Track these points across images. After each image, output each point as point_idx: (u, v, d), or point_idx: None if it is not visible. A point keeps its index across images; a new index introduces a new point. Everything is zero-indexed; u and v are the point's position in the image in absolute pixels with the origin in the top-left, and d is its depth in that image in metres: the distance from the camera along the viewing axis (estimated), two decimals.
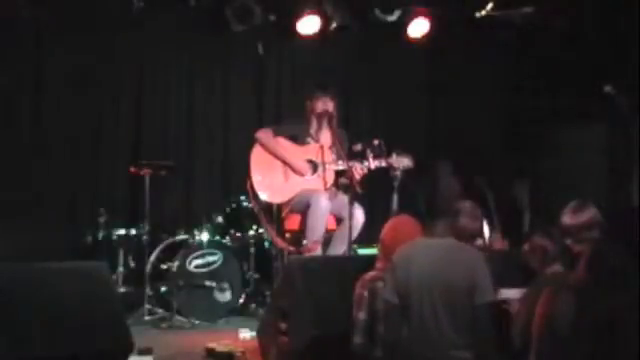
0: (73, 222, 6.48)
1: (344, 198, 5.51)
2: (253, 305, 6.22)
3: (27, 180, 6.21)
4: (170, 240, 6.19)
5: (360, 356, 3.74)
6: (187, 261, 5.91)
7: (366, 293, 3.78)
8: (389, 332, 3.60)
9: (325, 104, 5.86)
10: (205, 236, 6.10)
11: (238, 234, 6.42)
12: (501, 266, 4.14)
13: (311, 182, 5.79)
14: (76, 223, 6.44)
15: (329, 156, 5.80)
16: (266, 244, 6.42)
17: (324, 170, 5.76)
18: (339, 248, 5.59)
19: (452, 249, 3.58)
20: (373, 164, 5.66)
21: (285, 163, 5.82)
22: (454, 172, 7.36)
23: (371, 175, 5.73)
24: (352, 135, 6.07)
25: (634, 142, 5.96)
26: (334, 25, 7.07)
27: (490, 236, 6.16)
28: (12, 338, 3.73)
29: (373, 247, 5.55)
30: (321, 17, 6.93)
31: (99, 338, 4.02)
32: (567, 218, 3.84)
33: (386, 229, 3.95)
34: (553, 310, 3.26)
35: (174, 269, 5.86)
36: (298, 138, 5.90)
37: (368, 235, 5.74)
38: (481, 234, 4.12)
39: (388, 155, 5.67)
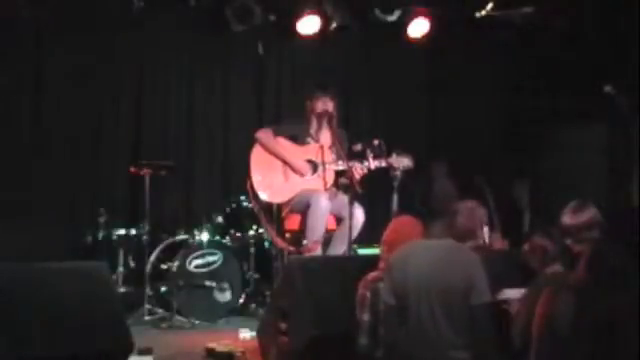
0: (73, 222, 6.47)
1: (344, 198, 5.51)
2: (253, 305, 6.21)
3: (27, 180, 6.21)
4: (170, 240, 6.19)
5: (363, 357, 3.74)
6: (187, 261, 5.91)
7: (369, 294, 3.77)
8: (388, 333, 3.60)
9: (325, 104, 5.86)
10: (205, 236, 6.10)
11: (238, 234, 6.42)
12: (501, 266, 4.13)
13: (311, 182, 5.79)
14: (76, 223, 6.43)
15: (329, 156, 5.80)
16: (266, 244, 6.42)
17: (324, 170, 5.75)
18: (339, 248, 5.59)
19: (449, 250, 3.58)
20: (373, 164, 5.66)
21: (285, 163, 5.82)
22: (449, 173, 7.38)
23: (371, 175, 5.73)
24: (352, 135, 6.07)
25: (634, 142, 5.95)
26: (334, 25, 7.07)
27: (490, 236, 6.15)
28: (12, 338, 3.73)
29: (373, 247, 5.57)
30: (321, 17, 6.93)
31: (99, 338, 4.02)
32: (567, 218, 3.84)
33: (388, 230, 3.94)
34: (553, 310, 3.26)
35: (174, 269, 5.86)
36: (298, 138, 5.90)
37: (368, 235, 5.74)
38: (480, 233, 4.10)
39: (388, 155, 5.67)
